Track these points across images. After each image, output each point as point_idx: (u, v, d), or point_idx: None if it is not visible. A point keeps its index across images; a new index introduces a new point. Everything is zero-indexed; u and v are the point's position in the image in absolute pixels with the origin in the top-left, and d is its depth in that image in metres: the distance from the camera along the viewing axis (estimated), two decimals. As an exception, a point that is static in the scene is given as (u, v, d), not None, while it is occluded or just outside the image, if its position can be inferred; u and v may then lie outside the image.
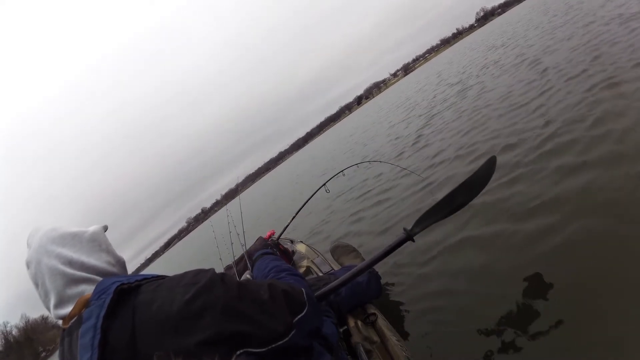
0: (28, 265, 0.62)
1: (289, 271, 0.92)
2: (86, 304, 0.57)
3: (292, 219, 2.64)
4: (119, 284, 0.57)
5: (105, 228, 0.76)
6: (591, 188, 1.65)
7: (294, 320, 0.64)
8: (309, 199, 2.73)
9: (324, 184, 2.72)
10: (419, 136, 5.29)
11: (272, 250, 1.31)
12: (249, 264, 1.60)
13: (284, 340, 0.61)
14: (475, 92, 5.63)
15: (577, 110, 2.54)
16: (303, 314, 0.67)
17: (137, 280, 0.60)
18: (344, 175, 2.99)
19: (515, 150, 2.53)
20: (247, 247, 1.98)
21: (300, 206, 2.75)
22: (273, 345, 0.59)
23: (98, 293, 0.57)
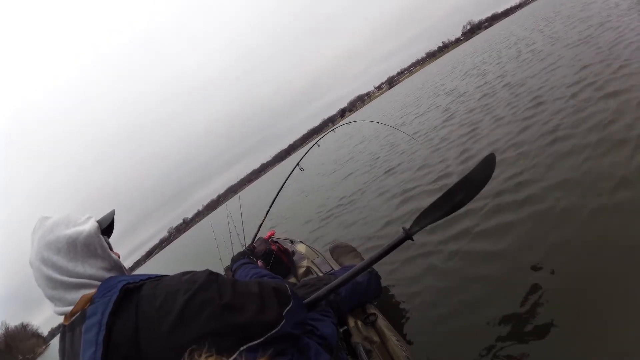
0: (31, 266, 0.63)
1: (270, 276, 1.05)
2: (89, 301, 0.59)
3: (273, 201, 2.37)
4: (125, 283, 0.60)
5: (111, 215, 0.77)
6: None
7: (283, 313, 0.71)
8: (285, 182, 2.53)
9: (298, 163, 2.63)
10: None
11: (250, 258, 1.42)
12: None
13: (276, 329, 0.66)
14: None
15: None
16: (290, 306, 0.75)
17: (141, 280, 0.63)
18: (318, 146, 3.01)
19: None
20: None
21: (277, 191, 2.50)
22: (268, 334, 0.64)
23: (103, 291, 0.60)
